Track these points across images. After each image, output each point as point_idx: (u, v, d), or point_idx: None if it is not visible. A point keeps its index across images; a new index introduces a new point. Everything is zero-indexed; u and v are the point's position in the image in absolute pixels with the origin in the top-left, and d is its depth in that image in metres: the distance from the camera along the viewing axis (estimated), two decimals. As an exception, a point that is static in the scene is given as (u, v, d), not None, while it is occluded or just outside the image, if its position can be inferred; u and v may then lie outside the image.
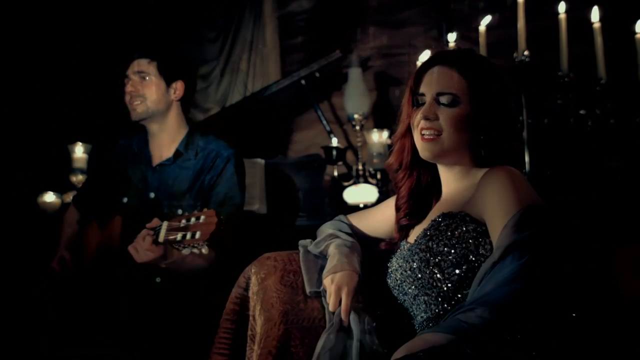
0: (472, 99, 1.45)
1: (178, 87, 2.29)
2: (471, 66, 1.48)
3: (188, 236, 1.69)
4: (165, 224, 1.79)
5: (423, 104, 1.49)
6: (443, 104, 1.46)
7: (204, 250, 1.72)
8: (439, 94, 1.46)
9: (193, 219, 1.70)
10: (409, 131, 1.54)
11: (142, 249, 1.83)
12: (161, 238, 1.78)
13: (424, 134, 1.47)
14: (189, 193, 2.20)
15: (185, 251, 1.73)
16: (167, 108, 2.27)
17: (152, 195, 2.23)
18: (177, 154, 2.25)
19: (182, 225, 1.72)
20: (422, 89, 1.50)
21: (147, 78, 2.24)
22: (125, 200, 2.25)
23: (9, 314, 2.41)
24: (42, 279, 2.50)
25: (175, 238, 1.72)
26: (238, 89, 4.20)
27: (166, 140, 2.29)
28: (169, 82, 2.27)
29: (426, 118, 1.46)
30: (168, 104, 2.27)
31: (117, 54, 4.33)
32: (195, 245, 1.70)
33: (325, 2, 3.98)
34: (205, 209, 1.74)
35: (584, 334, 1.29)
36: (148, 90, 2.24)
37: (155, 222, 1.85)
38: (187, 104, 2.36)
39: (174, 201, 2.20)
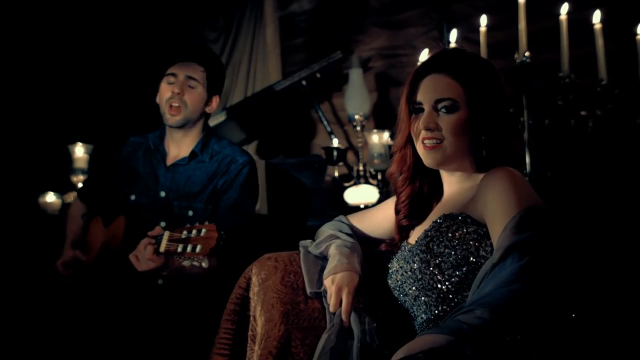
0: (470, 102, 1.45)
1: (214, 101, 2.27)
2: (465, 68, 1.47)
3: (188, 249, 1.68)
4: (166, 234, 1.77)
5: (421, 112, 1.49)
6: (442, 111, 1.46)
7: (204, 264, 1.72)
8: (437, 101, 1.46)
9: (194, 232, 1.69)
10: (409, 141, 1.54)
11: (143, 259, 1.83)
12: (162, 248, 1.77)
13: (426, 143, 1.47)
14: (200, 195, 2.18)
15: (186, 263, 1.73)
16: (199, 118, 2.25)
17: (162, 194, 2.21)
18: (193, 154, 2.23)
19: (183, 236, 1.71)
20: (419, 98, 1.49)
21: (195, 85, 2.20)
22: (133, 197, 2.23)
23: (9, 313, 2.41)
24: (42, 278, 2.51)
25: (176, 249, 1.71)
26: (239, 89, 4.20)
27: (186, 143, 2.26)
28: (210, 95, 2.24)
29: (427, 128, 1.45)
30: (202, 114, 2.25)
31: (117, 54, 4.36)
32: (196, 258, 1.70)
33: (326, 3, 3.98)
34: (206, 223, 1.72)
35: (584, 335, 1.29)
36: (192, 99, 2.19)
37: (157, 230, 1.84)
38: (210, 114, 2.34)
39: (184, 202, 2.18)
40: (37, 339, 2.15)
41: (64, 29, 4.18)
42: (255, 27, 4.16)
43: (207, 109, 2.26)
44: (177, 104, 2.19)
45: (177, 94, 2.18)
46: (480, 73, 1.47)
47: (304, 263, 1.63)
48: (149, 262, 1.82)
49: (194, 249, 1.67)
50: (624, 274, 1.54)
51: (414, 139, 1.51)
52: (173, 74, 2.21)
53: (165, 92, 2.20)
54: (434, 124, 1.45)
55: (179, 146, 2.27)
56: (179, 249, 1.70)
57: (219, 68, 2.31)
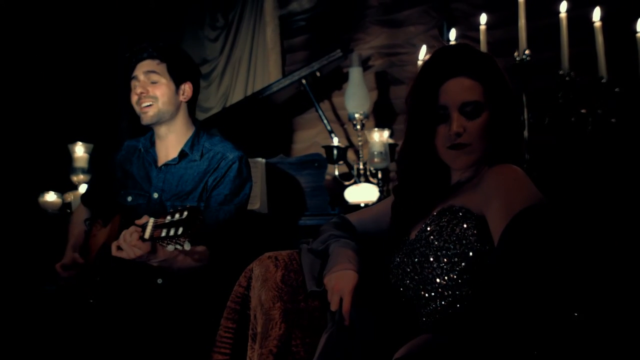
0: (490, 102, 1.45)
1: (186, 89, 2.27)
2: (481, 67, 1.47)
3: (172, 232, 1.69)
4: (151, 221, 1.80)
5: (445, 117, 1.48)
6: (468, 114, 1.45)
7: (186, 247, 1.71)
8: (464, 105, 1.45)
9: (177, 215, 1.71)
10: (421, 145, 1.53)
11: (128, 246, 1.84)
12: (147, 235, 1.79)
13: (455, 148, 1.46)
14: (192, 194, 2.19)
15: (169, 248, 1.74)
16: (176, 110, 2.25)
17: (155, 195, 2.22)
18: (183, 154, 2.24)
19: (167, 221, 1.73)
20: (443, 102, 1.47)
21: (157, 79, 2.21)
22: (130, 199, 2.25)
23: (9, 313, 2.41)
24: (42, 278, 2.51)
25: (160, 234, 1.73)
26: (239, 88, 4.19)
27: (173, 141, 2.28)
28: (178, 84, 2.24)
29: (458, 133, 1.45)
30: (177, 105, 2.25)
31: (118, 53, 4.36)
32: (178, 242, 1.70)
33: (326, 2, 3.98)
34: (188, 205, 1.74)
35: (586, 334, 1.29)
36: (159, 92, 2.20)
37: (144, 219, 1.85)
38: (193, 105, 2.34)
39: (177, 202, 2.19)
40: (37, 338, 2.16)
41: (64, 31, 4.18)
42: (255, 26, 4.16)
43: (182, 98, 2.26)
44: (147, 103, 2.21)
45: (141, 93, 2.20)
46: (494, 70, 1.48)
47: (304, 262, 1.63)
48: (134, 249, 1.83)
49: (176, 231, 1.68)
50: (625, 272, 1.54)
51: (438, 143, 1.50)
52: (134, 77, 2.24)
53: (133, 96, 2.23)
54: (462, 129, 1.45)
55: (167, 145, 2.28)
56: (163, 234, 1.71)
57: (178, 56, 2.29)
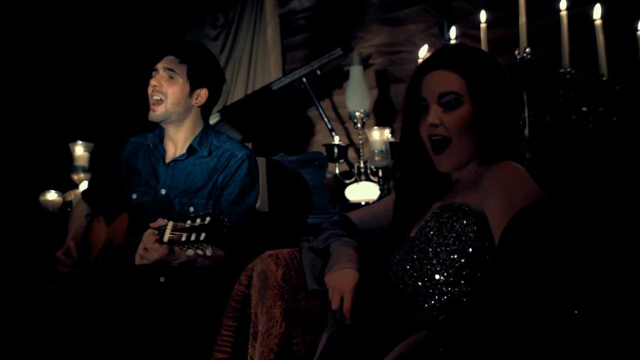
0: (473, 96, 1.45)
1: (202, 94, 2.25)
2: (467, 62, 1.47)
3: (193, 237, 1.68)
4: (170, 224, 1.77)
5: (427, 109, 1.48)
6: (447, 107, 1.45)
7: (208, 252, 1.70)
8: (440, 96, 1.46)
9: (199, 221, 1.69)
10: (412, 140, 1.53)
11: (143, 249, 1.83)
12: (165, 238, 1.77)
13: (432, 140, 1.47)
14: (201, 191, 2.19)
15: (189, 252, 1.73)
16: (186, 112, 2.25)
17: (163, 191, 2.22)
18: (191, 149, 2.25)
19: (187, 226, 1.71)
20: (423, 94, 1.49)
21: (174, 77, 2.21)
22: (135, 196, 2.24)
23: (10, 312, 2.42)
24: (43, 276, 2.51)
25: (180, 238, 1.71)
26: (239, 86, 4.19)
27: (182, 140, 2.28)
28: (193, 88, 2.23)
29: (432, 124, 1.45)
30: (188, 108, 2.24)
31: (119, 51, 4.36)
32: (200, 247, 1.69)
33: (326, 0, 3.98)
34: (210, 211, 1.72)
35: (585, 332, 1.29)
36: (171, 90, 2.20)
37: (159, 222, 1.84)
38: (208, 110, 2.33)
39: (185, 199, 2.19)
40: (38, 338, 2.16)
41: (64, 29, 4.18)
42: (255, 24, 4.16)
43: (195, 102, 2.25)
44: (157, 97, 2.21)
45: (155, 86, 2.21)
46: (482, 66, 1.47)
47: (305, 260, 1.63)
48: (151, 251, 1.82)
49: (198, 237, 1.66)
50: (625, 271, 1.54)
51: (423, 139, 1.51)
52: (155, 69, 2.25)
53: (149, 87, 2.24)
54: (438, 120, 1.45)
55: (175, 143, 2.28)
56: (183, 238, 1.69)
57: (201, 61, 2.28)
